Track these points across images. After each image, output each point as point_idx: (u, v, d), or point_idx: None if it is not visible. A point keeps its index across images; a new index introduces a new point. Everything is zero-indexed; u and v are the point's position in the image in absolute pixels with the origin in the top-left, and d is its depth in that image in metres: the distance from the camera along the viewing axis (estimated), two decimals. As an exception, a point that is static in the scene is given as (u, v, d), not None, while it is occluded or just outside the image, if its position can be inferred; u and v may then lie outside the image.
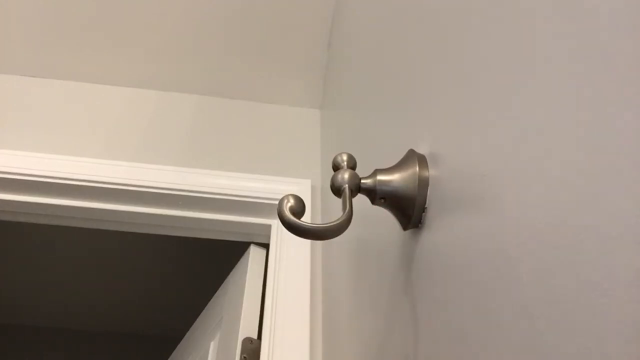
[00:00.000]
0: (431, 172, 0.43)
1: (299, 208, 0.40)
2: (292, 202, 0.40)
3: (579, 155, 0.25)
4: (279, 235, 1.19)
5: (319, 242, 1.11)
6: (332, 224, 0.40)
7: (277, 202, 0.41)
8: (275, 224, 1.23)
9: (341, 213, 0.41)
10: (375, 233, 0.64)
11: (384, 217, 0.45)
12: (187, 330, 1.55)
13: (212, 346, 1.24)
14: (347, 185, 0.43)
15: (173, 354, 1.62)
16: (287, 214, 0.40)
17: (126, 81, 1.46)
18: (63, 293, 2.46)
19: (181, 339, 1.58)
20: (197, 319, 1.50)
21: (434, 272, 0.41)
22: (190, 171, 1.27)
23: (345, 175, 0.43)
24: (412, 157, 0.45)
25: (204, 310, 1.47)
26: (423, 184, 0.43)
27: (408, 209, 0.43)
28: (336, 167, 0.46)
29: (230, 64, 1.46)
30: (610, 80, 0.23)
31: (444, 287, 0.39)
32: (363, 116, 0.86)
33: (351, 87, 1.02)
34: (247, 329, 1.10)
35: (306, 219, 0.40)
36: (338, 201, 0.43)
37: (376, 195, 0.43)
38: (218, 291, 1.40)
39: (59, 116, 1.37)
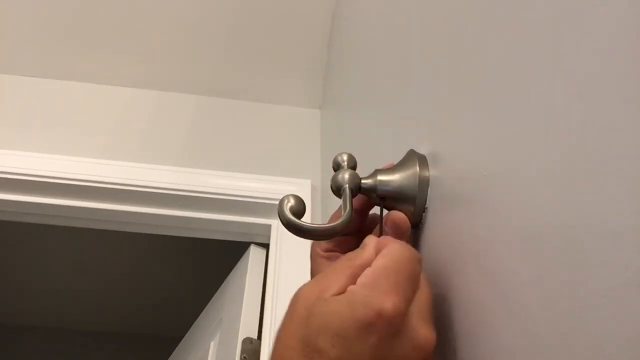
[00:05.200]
0: (432, 172, 0.43)
1: (299, 208, 0.40)
2: (292, 202, 0.40)
3: (579, 155, 0.25)
4: (279, 235, 1.19)
5: (319, 242, 1.11)
6: (332, 224, 0.40)
7: (277, 202, 0.41)
8: (275, 224, 1.23)
9: (341, 213, 0.41)
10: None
11: (384, 217, 0.45)
12: (187, 330, 1.55)
13: (212, 346, 1.24)
14: (347, 185, 0.43)
15: (173, 354, 1.62)
16: (287, 214, 0.40)
17: (126, 81, 1.46)
18: (63, 293, 2.46)
19: (181, 339, 1.58)
20: (197, 319, 1.50)
21: (435, 272, 0.41)
22: (190, 171, 1.27)
23: (346, 175, 0.43)
24: (412, 157, 0.45)
25: (204, 310, 1.47)
26: (424, 183, 0.43)
27: (409, 208, 0.43)
28: (336, 167, 0.46)
29: (230, 64, 1.46)
30: (611, 79, 0.23)
31: (444, 287, 0.39)
32: (363, 116, 0.86)
33: (351, 87, 1.02)
34: (247, 329, 1.10)
35: (306, 219, 0.40)
36: (338, 201, 0.43)
37: (377, 195, 0.43)
38: (218, 291, 1.40)
39: (59, 116, 1.36)
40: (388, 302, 0.31)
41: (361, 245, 0.37)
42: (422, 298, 0.34)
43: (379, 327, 0.30)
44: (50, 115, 1.36)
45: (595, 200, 0.23)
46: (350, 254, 0.36)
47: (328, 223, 0.40)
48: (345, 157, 0.46)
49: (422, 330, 0.32)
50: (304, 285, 0.34)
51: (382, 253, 0.35)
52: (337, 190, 0.44)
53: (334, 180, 0.44)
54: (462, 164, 0.39)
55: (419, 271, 0.35)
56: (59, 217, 1.26)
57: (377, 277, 0.33)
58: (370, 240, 0.37)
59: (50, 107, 1.38)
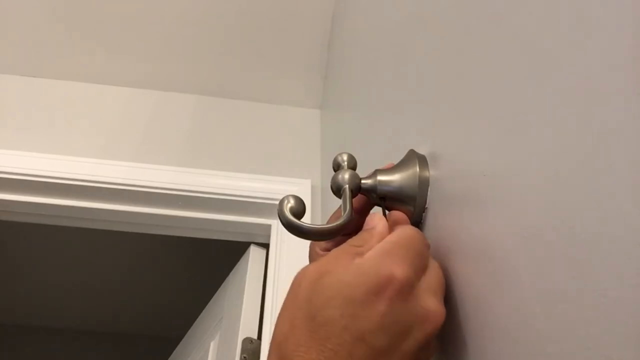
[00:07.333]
0: (432, 172, 0.43)
1: (299, 209, 0.40)
2: (292, 202, 0.40)
3: (579, 155, 0.25)
4: (279, 235, 1.19)
5: (319, 242, 1.11)
6: (332, 224, 0.40)
7: (277, 202, 0.41)
8: (275, 224, 1.23)
9: (341, 213, 0.41)
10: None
11: (384, 217, 0.45)
12: (187, 330, 1.55)
13: (212, 346, 1.24)
14: (347, 185, 0.43)
15: (173, 354, 1.62)
16: (287, 214, 0.40)
17: (126, 81, 1.46)
18: (63, 293, 2.46)
19: (181, 339, 1.58)
20: (197, 319, 1.50)
21: (434, 272, 0.41)
22: (190, 171, 1.27)
23: (346, 175, 0.43)
24: (412, 157, 0.45)
25: (204, 310, 1.47)
26: (424, 183, 0.43)
27: (409, 208, 0.43)
28: (336, 167, 0.46)
29: (230, 64, 1.46)
30: (611, 79, 0.23)
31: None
32: (363, 116, 0.86)
33: (351, 87, 1.02)
34: (247, 329, 1.10)
35: (306, 219, 0.40)
36: (338, 201, 0.43)
37: (377, 195, 0.43)
38: (218, 291, 1.40)
39: (59, 116, 1.37)
40: (398, 269, 0.31)
41: (365, 228, 0.37)
42: (433, 276, 0.34)
43: (388, 292, 0.30)
44: (50, 115, 1.36)
45: (595, 200, 0.23)
46: (352, 240, 0.36)
47: (328, 223, 0.40)
48: (345, 157, 0.46)
49: (430, 304, 0.32)
50: (306, 266, 0.34)
51: (394, 232, 0.35)
52: (337, 191, 0.43)
53: (334, 181, 0.44)
54: (462, 164, 0.39)
55: (427, 254, 0.36)
56: (59, 217, 1.26)
57: (387, 249, 0.33)
58: (377, 222, 0.37)
59: (50, 107, 1.38)
